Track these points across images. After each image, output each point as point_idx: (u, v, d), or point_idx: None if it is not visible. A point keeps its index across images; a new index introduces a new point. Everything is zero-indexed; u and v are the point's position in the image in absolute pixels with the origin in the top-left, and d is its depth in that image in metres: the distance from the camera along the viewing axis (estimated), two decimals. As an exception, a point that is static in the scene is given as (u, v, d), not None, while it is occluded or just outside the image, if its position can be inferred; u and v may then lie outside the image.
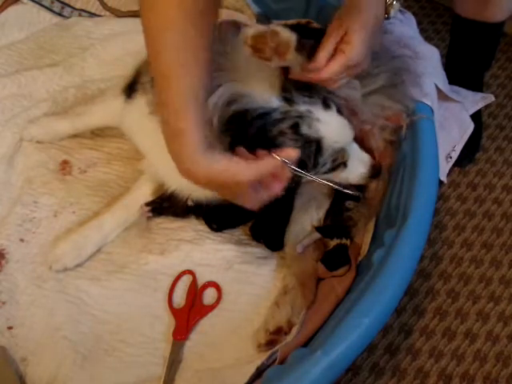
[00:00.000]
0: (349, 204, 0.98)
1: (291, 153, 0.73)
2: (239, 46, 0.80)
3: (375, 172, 0.92)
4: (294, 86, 0.82)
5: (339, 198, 1.00)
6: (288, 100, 0.81)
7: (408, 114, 0.98)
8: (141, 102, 0.93)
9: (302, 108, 0.81)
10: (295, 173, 0.77)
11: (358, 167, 0.90)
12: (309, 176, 0.82)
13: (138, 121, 0.95)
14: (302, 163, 0.81)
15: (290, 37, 0.75)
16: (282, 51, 0.75)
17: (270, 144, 0.79)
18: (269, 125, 0.79)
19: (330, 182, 0.89)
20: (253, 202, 0.74)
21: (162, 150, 0.90)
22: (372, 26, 0.81)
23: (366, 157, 0.92)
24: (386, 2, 0.82)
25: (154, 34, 0.66)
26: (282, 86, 0.81)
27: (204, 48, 0.67)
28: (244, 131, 0.79)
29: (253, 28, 0.76)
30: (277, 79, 0.81)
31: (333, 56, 0.79)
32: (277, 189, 0.73)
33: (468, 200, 1.25)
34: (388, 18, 0.84)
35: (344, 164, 0.88)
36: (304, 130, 0.80)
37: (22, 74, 1.20)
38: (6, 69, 1.23)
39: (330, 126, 0.82)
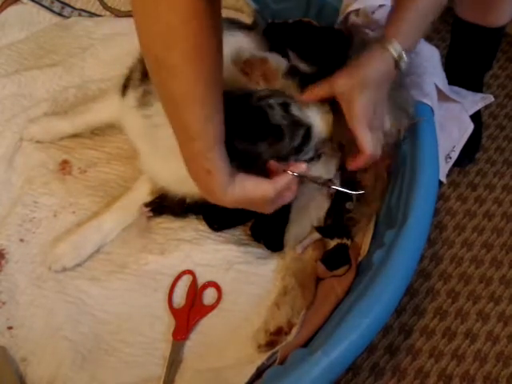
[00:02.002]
0: (349, 205, 0.97)
1: (301, 166, 0.79)
2: None
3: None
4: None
5: (339, 200, 0.99)
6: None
7: (407, 118, 0.97)
8: (130, 98, 0.94)
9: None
10: (313, 183, 0.84)
11: (330, 159, 0.88)
12: (325, 186, 0.87)
13: (129, 117, 0.95)
14: (282, 142, 0.79)
15: (278, 65, 0.78)
16: (270, 78, 0.79)
17: (255, 116, 0.77)
18: (254, 100, 0.77)
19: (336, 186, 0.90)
20: (269, 209, 0.82)
21: (150, 147, 0.90)
22: (374, 81, 0.78)
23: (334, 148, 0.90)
24: (393, 58, 0.79)
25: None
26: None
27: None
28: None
29: (247, 52, 0.81)
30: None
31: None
32: (289, 197, 0.82)
33: (468, 200, 1.25)
34: (400, 71, 0.81)
35: (318, 156, 0.86)
36: (294, 111, 0.78)
37: (21, 74, 1.20)
38: (5, 69, 1.23)
39: (319, 114, 0.81)
